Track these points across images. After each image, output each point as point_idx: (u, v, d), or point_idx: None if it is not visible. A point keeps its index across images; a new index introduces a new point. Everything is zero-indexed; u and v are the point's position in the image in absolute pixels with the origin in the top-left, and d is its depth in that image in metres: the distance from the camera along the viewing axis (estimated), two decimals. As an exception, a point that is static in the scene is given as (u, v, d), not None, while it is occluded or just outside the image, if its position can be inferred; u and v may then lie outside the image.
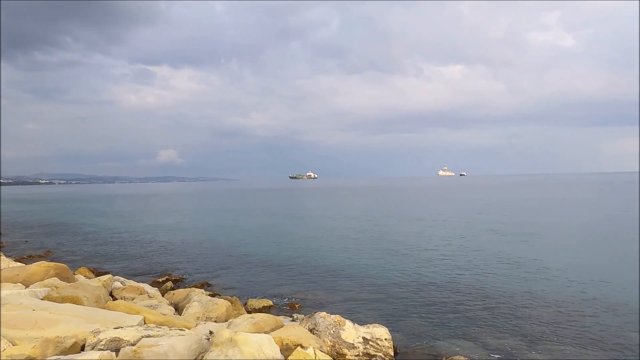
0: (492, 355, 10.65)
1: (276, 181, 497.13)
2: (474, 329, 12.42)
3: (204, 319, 11.60)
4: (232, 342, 7.68)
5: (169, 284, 17.77)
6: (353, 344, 9.37)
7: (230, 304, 12.87)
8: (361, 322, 10.51)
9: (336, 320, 9.76)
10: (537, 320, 13.01)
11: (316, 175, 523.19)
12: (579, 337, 11.66)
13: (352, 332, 9.54)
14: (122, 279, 14.85)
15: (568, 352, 10.77)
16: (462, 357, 9.83)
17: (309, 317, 10.28)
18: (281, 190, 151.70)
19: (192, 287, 16.51)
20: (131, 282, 14.46)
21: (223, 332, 7.99)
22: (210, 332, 9.62)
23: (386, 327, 10.29)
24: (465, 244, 27.27)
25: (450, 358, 9.86)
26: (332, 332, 9.49)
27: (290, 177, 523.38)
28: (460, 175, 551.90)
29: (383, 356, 9.40)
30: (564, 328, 12.37)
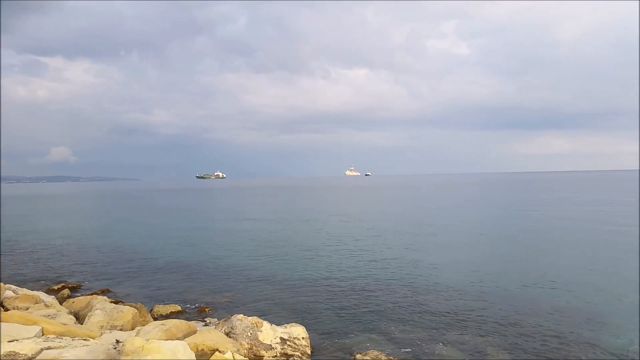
0: (401, 347, 11.19)
1: (182, 181, 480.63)
2: (384, 323, 12.97)
3: (109, 327, 10.91)
4: (144, 350, 7.30)
5: (66, 291, 16.52)
6: (270, 344, 9.34)
7: (136, 311, 12.23)
8: (274, 323, 10.49)
9: (253, 322, 9.66)
10: (442, 312, 13.91)
11: (224, 175, 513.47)
12: (480, 325, 12.69)
13: (269, 333, 9.50)
14: (14, 287, 13.48)
15: (470, 340, 11.65)
16: (374, 351, 10.18)
17: (225, 320, 10.07)
18: (186, 191, 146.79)
19: (93, 294, 15.48)
20: (25, 291, 13.19)
21: (133, 340, 7.56)
22: (117, 341, 9.08)
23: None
24: (370, 241, 28.34)
25: (364, 353, 10.16)
26: (249, 334, 9.37)
27: (197, 177, 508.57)
28: (366, 175, 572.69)
29: (300, 355, 9.46)
30: (465, 317, 13.37)
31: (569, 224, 35.72)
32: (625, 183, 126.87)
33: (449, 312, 13.89)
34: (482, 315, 13.57)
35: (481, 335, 11.94)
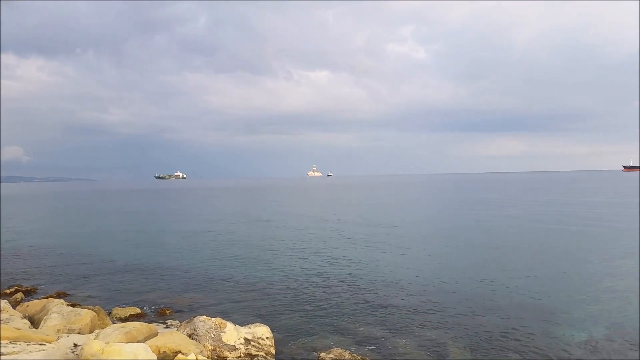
0: (364, 345, 11.36)
1: (141, 182, 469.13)
2: (347, 322, 13.12)
3: (66, 331, 10.57)
4: (104, 353, 7.13)
5: (20, 295, 15.92)
6: (234, 345, 9.28)
7: (94, 314, 11.89)
8: (238, 323, 10.43)
9: (217, 323, 9.57)
10: (404, 309, 14.19)
11: (185, 175, 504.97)
12: (441, 321, 13.03)
13: (233, 334, 9.43)
14: (-39, 292, 12.87)
15: (432, 335, 11.97)
16: (338, 349, 10.26)
17: (188, 322, 9.94)
18: (145, 191, 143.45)
19: (48, 297, 14.94)
20: (-26, 296, 12.63)
21: (92, 344, 7.37)
22: (75, 345, 8.83)
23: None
24: (332, 241, 28.54)
25: (328, 351, 10.23)
26: (212, 335, 9.29)
27: (157, 177, 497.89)
28: (328, 175, 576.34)
29: (264, 355, 9.45)
30: (427, 314, 13.70)
31: (523, 223, 37.02)
32: (578, 184, 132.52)
33: (411, 309, 14.17)
34: (443, 311, 13.93)
35: (443, 330, 12.27)
